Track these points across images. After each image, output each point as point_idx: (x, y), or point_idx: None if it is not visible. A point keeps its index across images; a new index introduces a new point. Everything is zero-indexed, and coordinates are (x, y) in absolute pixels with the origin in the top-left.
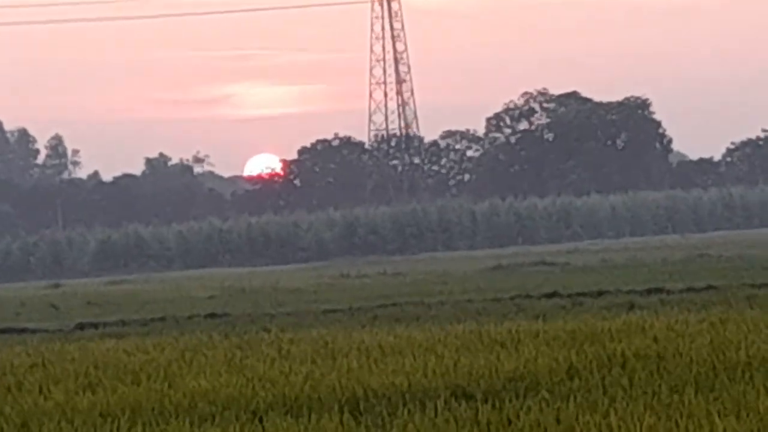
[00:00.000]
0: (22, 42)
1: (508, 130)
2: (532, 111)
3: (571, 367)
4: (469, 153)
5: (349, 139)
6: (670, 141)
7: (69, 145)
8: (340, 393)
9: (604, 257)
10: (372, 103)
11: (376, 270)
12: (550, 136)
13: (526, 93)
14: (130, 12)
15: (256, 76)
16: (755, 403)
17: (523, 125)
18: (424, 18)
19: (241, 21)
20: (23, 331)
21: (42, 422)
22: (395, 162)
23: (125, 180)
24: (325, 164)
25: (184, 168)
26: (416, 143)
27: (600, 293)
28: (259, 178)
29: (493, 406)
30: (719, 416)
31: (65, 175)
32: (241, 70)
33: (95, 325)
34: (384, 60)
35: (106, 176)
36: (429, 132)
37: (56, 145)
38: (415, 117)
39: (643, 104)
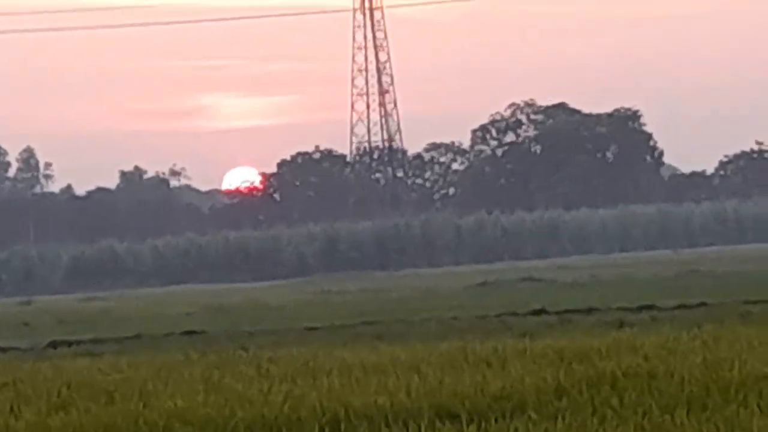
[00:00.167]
0: None
1: (494, 143)
2: (519, 123)
3: (559, 387)
4: (454, 166)
5: (330, 151)
6: (661, 153)
7: (41, 158)
8: (320, 413)
9: (594, 273)
10: (354, 114)
11: (358, 286)
12: (537, 148)
13: (512, 104)
14: (104, 21)
15: (234, 86)
16: (749, 423)
17: (510, 137)
18: (408, 27)
19: (219, 29)
20: None
21: None
22: (378, 175)
23: (99, 194)
24: (306, 177)
25: (160, 181)
26: (399, 156)
27: (589, 310)
28: (237, 192)
29: (479, 426)
30: None
31: (37, 189)
32: (219, 80)
33: (68, 344)
34: (366, 70)
35: (80, 190)
36: (413, 144)
37: (28, 158)
38: (399, 129)
39: (633, 116)
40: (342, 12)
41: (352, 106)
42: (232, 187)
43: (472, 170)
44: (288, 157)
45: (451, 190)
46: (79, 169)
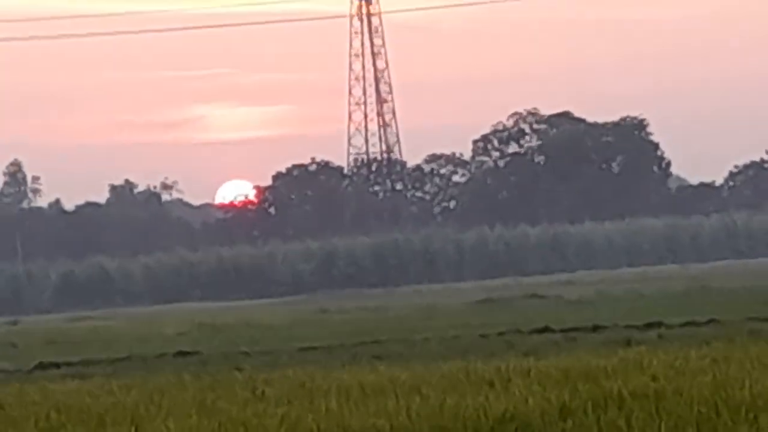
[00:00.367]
0: None
1: (496, 154)
2: (522, 132)
3: (564, 408)
4: (455, 178)
5: (326, 163)
6: (668, 164)
7: (28, 172)
8: None
9: (599, 289)
10: (351, 125)
11: (356, 304)
12: (541, 159)
13: (515, 113)
14: (92, 30)
15: (227, 96)
16: None
17: (513, 148)
18: (407, 34)
19: (211, 37)
20: None
21: None
22: (376, 188)
23: (89, 209)
24: (302, 191)
25: (152, 195)
26: (398, 168)
27: (595, 328)
28: (231, 206)
29: None
30: None
31: (24, 204)
32: (211, 91)
33: (57, 365)
34: (364, 79)
35: (69, 205)
36: (412, 156)
37: (15, 172)
38: (398, 140)
39: (640, 125)
40: (338, 18)
41: (350, 117)
42: (226, 201)
43: (474, 182)
44: (283, 170)
45: (452, 204)
46: (68, 182)
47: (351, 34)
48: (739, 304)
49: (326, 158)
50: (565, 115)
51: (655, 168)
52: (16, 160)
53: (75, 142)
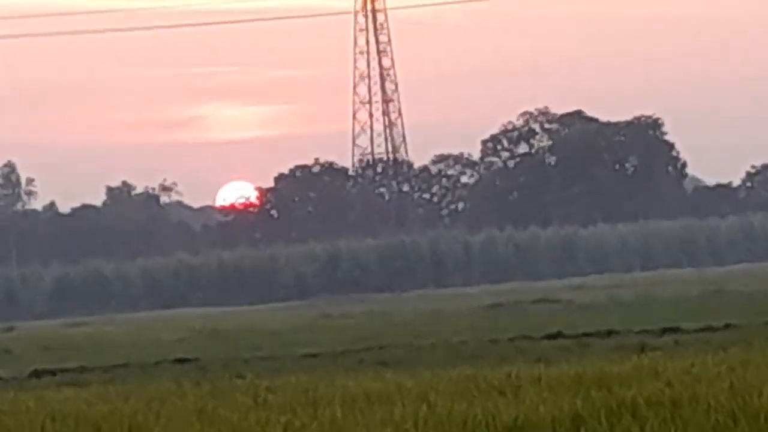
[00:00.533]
0: None
1: (506, 154)
2: (533, 132)
3: (576, 416)
4: (464, 179)
5: (330, 164)
6: (684, 164)
7: (23, 173)
8: None
9: (613, 293)
10: (356, 124)
11: (360, 309)
12: (552, 159)
13: (525, 113)
14: (89, 26)
15: (227, 95)
16: None
17: (523, 148)
18: (413, 30)
19: (212, 34)
20: None
21: None
22: (382, 189)
23: (85, 211)
24: (305, 192)
25: (150, 197)
26: (405, 169)
27: (608, 333)
28: (232, 209)
29: None
30: None
31: (19, 207)
32: (211, 89)
33: (52, 372)
34: (369, 77)
35: (64, 207)
36: (419, 156)
37: (8, 174)
38: (404, 140)
39: (654, 124)
40: (343, 14)
41: (354, 116)
42: (227, 204)
43: (483, 183)
44: (286, 171)
45: (460, 205)
46: (64, 184)
47: (356, 30)
48: (757, 308)
49: (330, 159)
50: (577, 114)
51: (670, 168)
52: (9, 161)
53: (71, 143)
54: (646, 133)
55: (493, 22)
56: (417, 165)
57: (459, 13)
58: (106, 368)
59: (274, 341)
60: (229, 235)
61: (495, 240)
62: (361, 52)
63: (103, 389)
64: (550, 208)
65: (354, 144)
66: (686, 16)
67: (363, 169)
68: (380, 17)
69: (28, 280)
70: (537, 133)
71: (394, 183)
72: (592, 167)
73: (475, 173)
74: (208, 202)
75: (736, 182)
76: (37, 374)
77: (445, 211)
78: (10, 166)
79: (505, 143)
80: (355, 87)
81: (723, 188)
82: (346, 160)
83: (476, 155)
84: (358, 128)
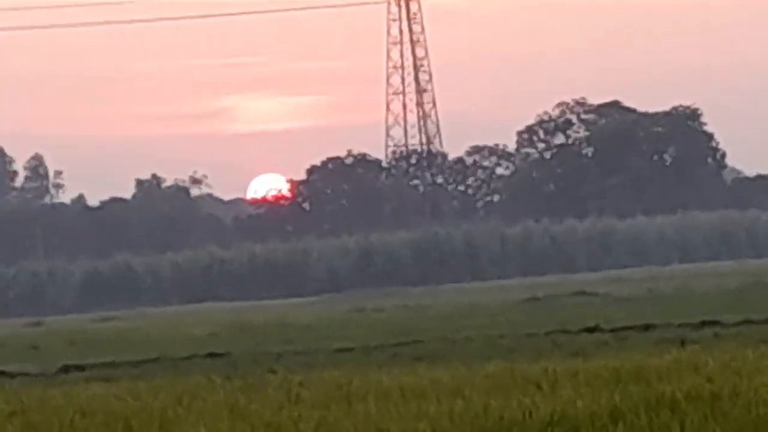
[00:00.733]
0: None
1: (542, 145)
2: (569, 123)
3: (614, 411)
4: (499, 171)
5: (364, 156)
6: (723, 155)
7: (51, 166)
8: None
9: (651, 286)
10: (389, 115)
11: (394, 303)
12: (589, 150)
13: (561, 103)
14: (118, 16)
15: (259, 86)
16: None
17: (559, 139)
18: (447, 19)
19: (243, 25)
20: (0, 374)
21: None
22: (416, 181)
23: (114, 204)
24: (338, 185)
25: (180, 190)
26: (439, 160)
27: (647, 327)
28: (263, 201)
29: None
30: None
31: (47, 200)
32: (243, 80)
33: (81, 368)
34: (402, 67)
35: (93, 200)
36: (453, 148)
37: (36, 166)
38: (438, 131)
39: (693, 114)
40: (375, 4)
41: (388, 107)
42: (258, 196)
43: (519, 175)
44: (318, 163)
45: (496, 197)
46: (92, 177)
47: (388, 20)
48: None
49: (363, 150)
50: (614, 105)
51: (710, 159)
52: (37, 154)
53: (99, 135)
54: (684, 124)
55: (528, 11)
56: (451, 156)
57: (494, 1)
58: (135, 363)
59: (306, 335)
60: (261, 228)
61: (531, 232)
62: (394, 42)
63: (132, 384)
64: (586, 200)
65: (387, 135)
66: (725, 3)
67: (396, 160)
68: (413, 6)
69: (56, 275)
70: (573, 124)
71: (428, 175)
72: (629, 158)
73: (510, 164)
74: (239, 195)
75: None
76: (65, 369)
77: (480, 203)
78: (38, 159)
79: (541, 134)
80: (388, 77)
81: (763, 179)
82: (379, 151)
83: (512, 146)
84: (391, 119)
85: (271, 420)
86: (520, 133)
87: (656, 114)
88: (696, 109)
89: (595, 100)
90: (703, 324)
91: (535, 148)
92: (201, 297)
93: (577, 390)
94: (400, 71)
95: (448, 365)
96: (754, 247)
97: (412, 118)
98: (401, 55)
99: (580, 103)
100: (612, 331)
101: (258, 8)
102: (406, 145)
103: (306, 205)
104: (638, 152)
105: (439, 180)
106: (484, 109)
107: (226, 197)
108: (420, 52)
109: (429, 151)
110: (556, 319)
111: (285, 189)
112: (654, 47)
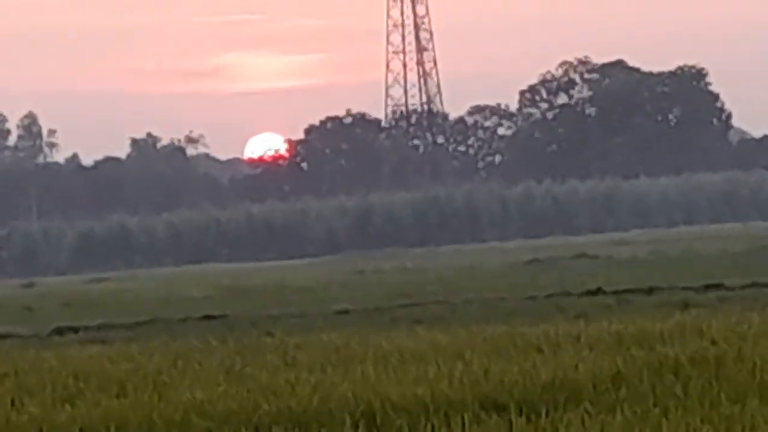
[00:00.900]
0: None
1: (544, 105)
2: (572, 83)
3: (617, 375)
4: (501, 131)
5: (363, 115)
6: (729, 116)
7: (44, 125)
8: (354, 405)
9: (655, 249)
10: (389, 74)
11: (394, 265)
12: (592, 111)
13: (564, 62)
14: None
15: (256, 44)
16: None
17: (562, 99)
18: None
19: None
20: None
21: None
22: (416, 141)
23: (108, 164)
24: (336, 145)
25: (176, 150)
26: (440, 120)
27: (650, 290)
28: (261, 161)
29: (528, 419)
30: None
31: (40, 159)
32: (240, 38)
33: (75, 330)
34: (403, 25)
35: (87, 160)
36: (454, 107)
37: (29, 125)
38: (439, 90)
39: (698, 74)
40: None
41: (387, 66)
42: (255, 156)
43: (520, 135)
44: (317, 122)
45: (497, 158)
46: (86, 136)
47: None
48: None
49: (362, 110)
50: (619, 64)
51: (715, 120)
52: (30, 112)
53: (94, 93)
54: (689, 84)
55: None
56: (452, 116)
57: None
58: (130, 325)
59: (304, 298)
60: (258, 188)
61: (533, 193)
62: (394, 0)
63: (126, 347)
64: (589, 161)
65: (387, 95)
66: None
67: (396, 120)
68: None
69: (50, 235)
70: (577, 84)
71: (428, 135)
72: (633, 119)
73: (512, 125)
74: (236, 155)
75: None
76: (59, 331)
77: (481, 164)
78: (31, 117)
79: (544, 94)
80: (388, 36)
81: None
82: (378, 111)
83: (514, 106)
84: (391, 78)
85: (268, 383)
86: (522, 93)
87: (661, 74)
88: (701, 69)
89: (598, 59)
90: (708, 287)
91: (538, 108)
92: (197, 258)
93: (579, 354)
94: (400, 29)
95: (448, 328)
96: (759, 209)
97: (413, 77)
98: (401, 13)
99: (584, 63)
100: (615, 293)
101: None
102: (406, 105)
103: (304, 165)
104: (642, 112)
105: (440, 140)
106: (486, 69)
107: (223, 157)
108: (421, 10)
109: (429, 111)
110: (557, 281)
111: (283, 149)
112: (659, 6)
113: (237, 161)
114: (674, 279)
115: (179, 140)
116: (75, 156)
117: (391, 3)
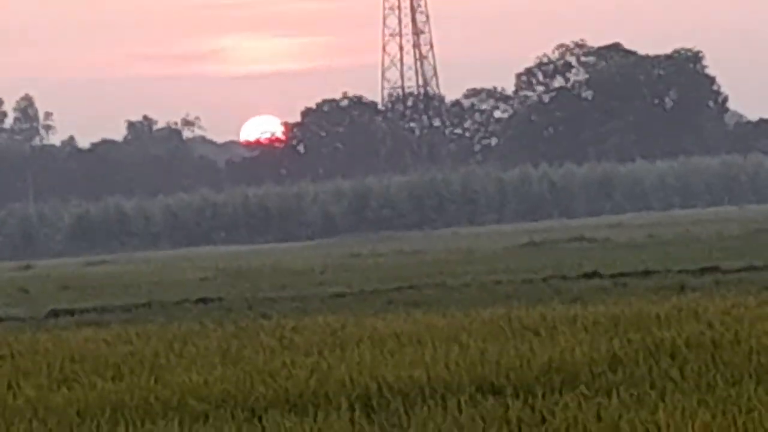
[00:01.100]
0: None
1: (540, 88)
2: (569, 66)
3: (613, 358)
4: (497, 114)
5: (359, 98)
6: (725, 99)
7: (41, 107)
8: (350, 388)
9: (651, 232)
10: (386, 57)
11: (390, 248)
12: (588, 94)
13: (561, 45)
14: None
15: (253, 26)
16: None
17: (558, 82)
18: None
19: None
20: None
21: (11, 422)
22: (412, 124)
23: (105, 146)
24: (333, 127)
25: (172, 132)
26: (436, 103)
27: (646, 273)
28: (257, 144)
29: (525, 401)
30: None
31: (36, 141)
32: (237, 20)
33: (71, 312)
34: (399, 8)
35: (83, 142)
36: (451, 90)
37: (26, 107)
38: (435, 73)
39: (694, 57)
40: None
41: (384, 48)
42: (252, 139)
43: (517, 118)
44: (313, 105)
45: (494, 141)
46: (83, 119)
47: None
48: None
49: (359, 93)
50: (615, 47)
51: (711, 103)
52: (27, 94)
53: (90, 76)
54: (686, 67)
55: None
56: (449, 99)
57: None
58: (126, 308)
59: (300, 281)
60: (254, 171)
61: (529, 177)
62: None
63: (123, 330)
64: (586, 144)
65: (383, 77)
66: None
67: (393, 103)
68: None
69: (46, 218)
70: (573, 67)
71: (425, 118)
72: (630, 102)
73: (508, 108)
74: (233, 137)
75: None
76: (55, 314)
77: (477, 147)
78: (28, 100)
79: (541, 77)
80: (384, 18)
81: (766, 123)
82: (375, 94)
83: (510, 89)
84: (387, 61)
85: (264, 366)
86: (518, 76)
87: (657, 57)
88: (698, 52)
89: (595, 42)
90: (704, 271)
91: (534, 91)
92: (193, 241)
93: (576, 337)
94: (396, 12)
95: (445, 311)
96: (755, 192)
97: (409, 59)
98: None
99: (580, 46)
100: (611, 277)
101: None
102: (402, 88)
103: (300, 148)
104: (639, 96)
105: (436, 123)
106: (482, 52)
107: (219, 140)
108: None
109: (426, 94)
110: (554, 264)
111: (279, 131)
112: None
113: (233, 144)
114: (671, 262)
115: (176, 123)
116: (71, 139)
117: None
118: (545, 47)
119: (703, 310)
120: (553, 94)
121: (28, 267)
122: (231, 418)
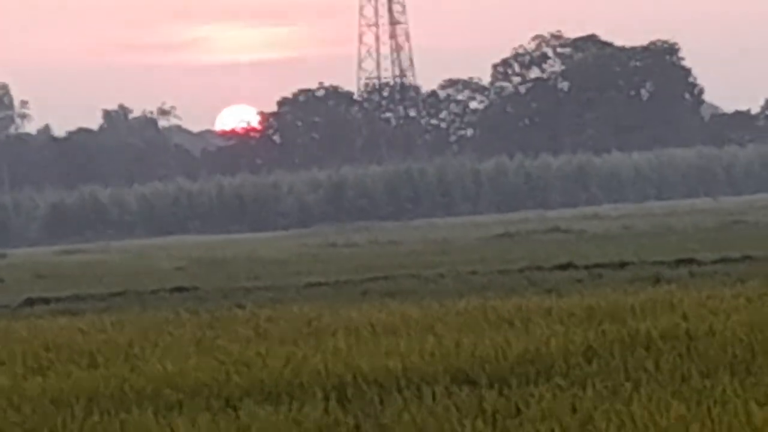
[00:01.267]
0: None
1: (517, 79)
2: (545, 57)
3: (588, 349)
4: (473, 105)
5: (335, 88)
6: (701, 91)
7: (16, 95)
8: (325, 378)
9: (627, 223)
10: (362, 47)
11: (366, 238)
12: (564, 85)
13: (537, 36)
14: None
15: (230, 16)
16: None
17: (535, 73)
18: None
19: None
20: None
21: None
22: (388, 115)
23: (80, 135)
24: (309, 117)
25: (148, 121)
26: (412, 93)
27: (622, 264)
28: (233, 133)
29: (500, 392)
30: (757, 404)
31: (12, 130)
32: (214, 10)
33: (46, 301)
34: None
35: (59, 131)
36: (427, 81)
37: (2, 96)
38: (411, 64)
39: (670, 49)
40: None
41: (360, 39)
42: (227, 128)
43: (493, 109)
44: (289, 95)
45: (470, 132)
46: (59, 107)
47: None
48: None
49: (335, 83)
50: (591, 39)
51: (687, 95)
52: (2, 83)
53: (66, 64)
54: (662, 59)
55: None
56: (425, 90)
57: None
58: (101, 297)
59: (275, 270)
60: (230, 160)
61: (505, 168)
62: None
63: (98, 318)
64: (562, 136)
65: (360, 68)
66: None
67: (369, 93)
68: None
69: (22, 206)
70: (549, 58)
71: (401, 108)
72: (606, 93)
73: (484, 99)
74: (208, 127)
75: (755, 110)
76: (30, 303)
77: (453, 138)
78: (3, 88)
79: (517, 68)
80: (361, 9)
81: (741, 116)
82: (351, 84)
83: (486, 80)
84: (364, 52)
85: (239, 355)
86: (495, 67)
87: (634, 48)
88: (674, 44)
89: (571, 33)
90: (680, 262)
91: (510, 82)
92: (168, 230)
93: (551, 328)
94: (373, 2)
95: (420, 302)
96: (731, 184)
97: (385, 50)
98: None
99: (557, 37)
100: (586, 268)
101: None
102: (378, 78)
103: (276, 138)
104: (615, 87)
105: (412, 113)
106: (459, 42)
107: (195, 129)
108: None
109: (402, 84)
110: (529, 255)
111: (255, 121)
112: None
113: (209, 133)
114: (646, 254)
115: (151, 112)
116: (47, 127)
117: None
118: (522, 38)
119: (678, 302)
120: (529, 85)
121: (3, 255)
122: (206, 407)
